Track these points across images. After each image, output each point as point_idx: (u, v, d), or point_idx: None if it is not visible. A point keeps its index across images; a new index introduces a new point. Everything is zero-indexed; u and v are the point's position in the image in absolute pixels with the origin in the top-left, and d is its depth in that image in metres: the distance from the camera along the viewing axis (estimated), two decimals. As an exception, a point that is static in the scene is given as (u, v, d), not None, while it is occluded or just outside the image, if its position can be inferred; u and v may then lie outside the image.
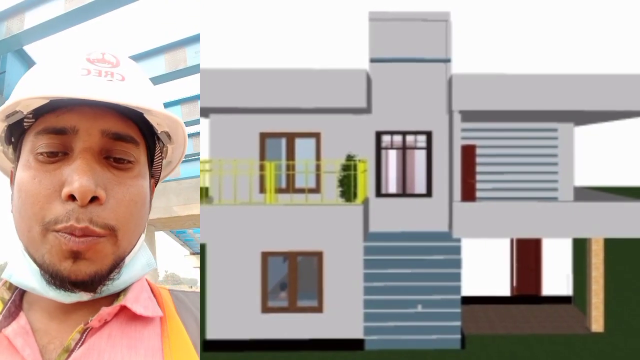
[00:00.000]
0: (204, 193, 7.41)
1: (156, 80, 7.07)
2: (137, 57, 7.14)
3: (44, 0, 6.25)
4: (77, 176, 0.87)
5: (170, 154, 1.13)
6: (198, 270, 36.19)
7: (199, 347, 0.99)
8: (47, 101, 0.90)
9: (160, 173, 1.16)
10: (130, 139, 0.95)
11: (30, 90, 0.92)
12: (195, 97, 9.28)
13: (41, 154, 0.90)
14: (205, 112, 7.14)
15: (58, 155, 0.90)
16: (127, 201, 0.94)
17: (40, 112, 0.93)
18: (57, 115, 0.91)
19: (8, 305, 0.96)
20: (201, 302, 6.92)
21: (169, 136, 1.04)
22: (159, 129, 1.02)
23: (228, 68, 6.81)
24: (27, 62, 7.47)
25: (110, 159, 0.94)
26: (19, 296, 0.99)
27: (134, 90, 0.95)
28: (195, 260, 34.51)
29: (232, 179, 7.07)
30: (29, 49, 7.86)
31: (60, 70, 0.93)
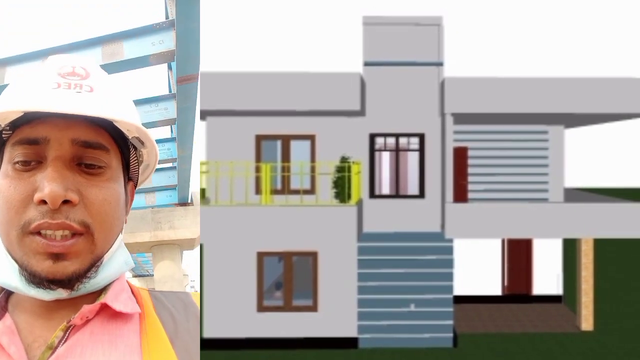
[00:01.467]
0: (202, 194, 7.52)
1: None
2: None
3: (25, 59, 6.61)
4: (47, 182, 0.93)
5: (146, 157, 1.20)
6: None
7: (177, 342, 1.05)
8: (21, 114, 0.98)
9: (138, 176, 1.24)
10: (100, 146, 1.01)
11: (4, 104, 0.98)
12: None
13: (17, 162, 0.97)
14: (202, 114, 7.25)
15: (32, 164, 0.97)
16: (100, 201, 0.99)
17: (16, 124, 1.00)
18: (31, 126, 0.98)
19: None
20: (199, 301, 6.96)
21: (141, 141, 1.11)
22: (129, 135, 1.08)
23: (225, 71, 6.91)
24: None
25: (82, 165, 1.00)
26: (5, 298, 1.05)
27: (102, 101, 1.01)
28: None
29: (229, 181, 7.17)
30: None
31: (33, 85, 1.00)
